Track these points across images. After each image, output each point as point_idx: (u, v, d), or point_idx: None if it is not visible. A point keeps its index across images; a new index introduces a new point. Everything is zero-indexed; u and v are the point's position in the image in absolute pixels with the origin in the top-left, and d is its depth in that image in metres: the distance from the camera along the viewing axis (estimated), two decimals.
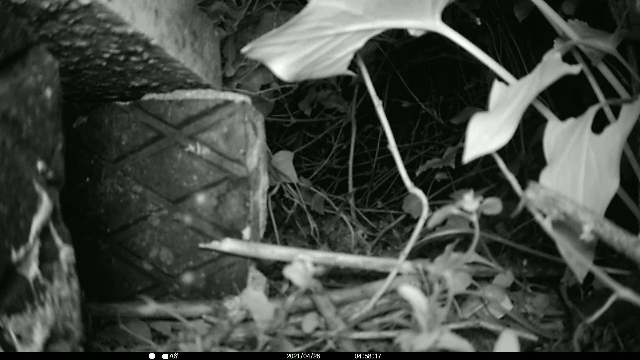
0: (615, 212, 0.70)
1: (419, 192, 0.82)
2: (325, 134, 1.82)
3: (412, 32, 0.77)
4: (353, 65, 0.84)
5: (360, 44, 0.77)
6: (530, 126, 1.44)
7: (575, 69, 0.65)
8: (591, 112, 0.69)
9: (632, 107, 0.68)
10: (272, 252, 0.92)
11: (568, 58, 0.72)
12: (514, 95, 0.64)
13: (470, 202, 0.64)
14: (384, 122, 0.89)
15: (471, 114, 0.66)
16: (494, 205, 0.66)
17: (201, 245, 0.94)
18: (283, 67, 0.78)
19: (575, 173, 0.68)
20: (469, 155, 0.61)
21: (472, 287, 0.85)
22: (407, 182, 0.84)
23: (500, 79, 0.71)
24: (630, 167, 0.79)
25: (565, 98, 1.40)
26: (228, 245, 0.92)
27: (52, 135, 0.55)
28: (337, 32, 0.74)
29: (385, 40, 1.49)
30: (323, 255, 0.90)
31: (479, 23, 1.04)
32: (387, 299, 0.85)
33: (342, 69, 0.80)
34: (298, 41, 0.75)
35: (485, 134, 0.61)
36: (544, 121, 0.72)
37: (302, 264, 0.67)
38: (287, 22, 0.72)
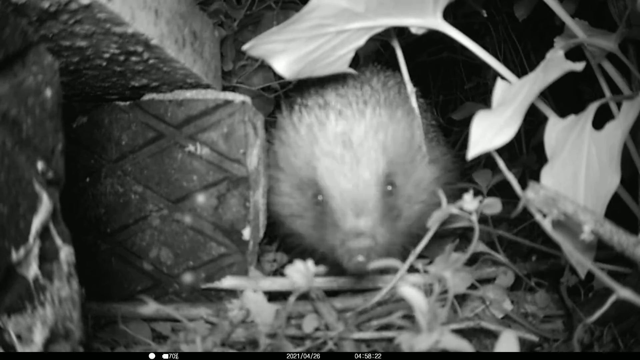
0: (616, 211, 0.70)
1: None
2: None
3: (413, 31, 0.77)
4: (354, 64, 0.83)
5: (361, 41, 0.77)
6: (532, 126, 1.43)
7: (578, 66, 0.65)
8: (592, 108, 0.69)
9: (632, 104, 0.68)
10: (272, 282, 0.92)
11: (569, 57, 0.72)
12: (516, 93, 0.64)
13: (470, 201, 0.64)
14: None
15: (471, 109, 0.66)
16: (494, 205, 0.66)
17: (203, 286, 0.94)
18: (284, 65, 0.77)
19: (576, 169, 0.67)
20: (472, 153, 0.61)
21: (472, 287, 0.85)
22: None
23: (502, 78, 0.71)
24: (631, 166, 0.79)
25: (566, 97, 1.40)
26: (228, 282, 0.93)
27: (52, 135, 0.55)
28: (339, 30, 0.74)
29: (385, 40, 1.49)
30: (324, 280, 0.92)
31: (485, 15, 1.04)
32: (388, 299, 0.85)
33: (343, 66, 0.80)
34: (300, 38, 0.75)
35: (489, 132, 0.61)
36: (544, 121, 0.72)
37: (304, 263, 0.67)
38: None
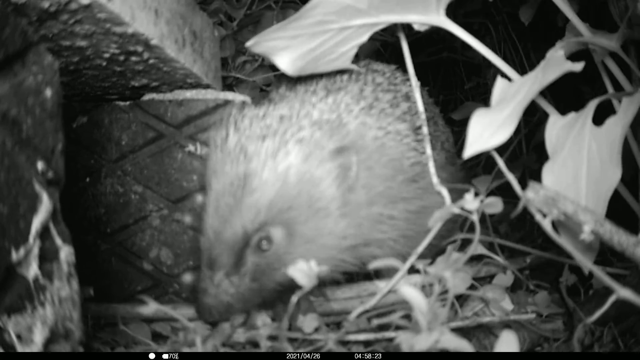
0: (616, 211, 0.70)
1: (443, 191, 0.77)
2: None
3: (416, 27, 0.77)
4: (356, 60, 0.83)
5: (364, 38, 0.77)
6: (532, 127, 1.43)
7: (577, 66, 0.65)
8: (592, 105, 0.69)
9: (632, 99, 0.68)
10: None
11: (570, 57, 0.72)
12: (516, 92, 0.64)
13: (470, 201, 0.64)
14: None
15: (471, 109, 0.65)
16: (495, 205, 0.66)
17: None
18: (288, 61, 0.77)
19: (578, 165, 0.67)
20: (469, 152, 0.61)
21: (472, 287, 0.85)
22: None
23: (503, 75, 0.71)
24: (631, 165, 0.79)
25: (566, 97, 1.40)
26: None
27: (52, 135, 0.55)
28: (342, 26, 0.74)
29: (386, 39, 1.49)
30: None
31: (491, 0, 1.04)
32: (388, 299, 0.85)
33: (346, 63, 0.80)
34: (303, 35, 0.75)
35: (486, 131, 0.61)
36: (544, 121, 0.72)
37: (306, 263, 0.67)
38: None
